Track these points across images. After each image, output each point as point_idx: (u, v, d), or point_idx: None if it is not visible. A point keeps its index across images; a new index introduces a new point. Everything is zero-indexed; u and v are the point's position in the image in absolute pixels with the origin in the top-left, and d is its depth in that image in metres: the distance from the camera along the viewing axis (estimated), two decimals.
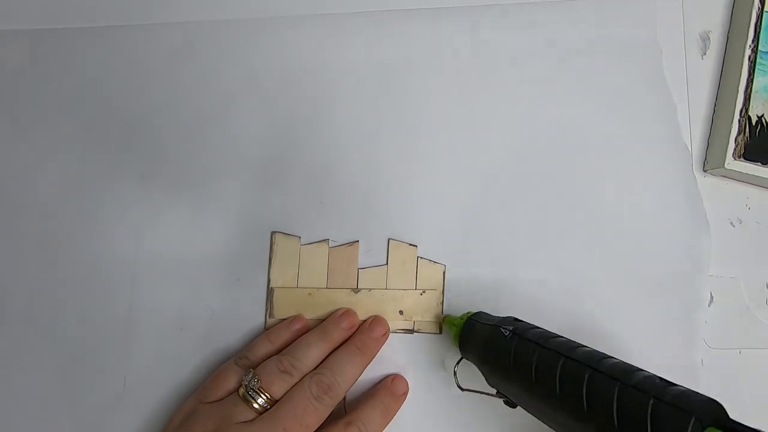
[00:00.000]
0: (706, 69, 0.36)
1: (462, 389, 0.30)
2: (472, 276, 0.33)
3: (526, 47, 0.35)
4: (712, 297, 0.33)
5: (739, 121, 0.33)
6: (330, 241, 0.34)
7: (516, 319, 0.28)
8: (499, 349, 0.26)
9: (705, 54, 0.36)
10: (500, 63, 0.35)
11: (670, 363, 0.33)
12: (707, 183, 0.35)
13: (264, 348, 0.31)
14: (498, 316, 0.29)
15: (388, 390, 0.32)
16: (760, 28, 0.34)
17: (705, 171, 0.35)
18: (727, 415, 0.20)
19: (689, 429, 0.18)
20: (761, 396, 0.33)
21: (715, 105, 0.35)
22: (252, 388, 0.28)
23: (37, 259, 0.34)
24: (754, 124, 0.33)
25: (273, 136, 0.35)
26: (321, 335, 0.31)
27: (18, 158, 0.35)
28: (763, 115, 0.33)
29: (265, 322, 0.33)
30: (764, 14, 0.34)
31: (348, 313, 0.32)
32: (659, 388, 0.20)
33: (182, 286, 0.34)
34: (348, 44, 0.36)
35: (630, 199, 0.34)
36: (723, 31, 0.36)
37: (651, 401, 0.19)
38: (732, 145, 0.33)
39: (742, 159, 0.33)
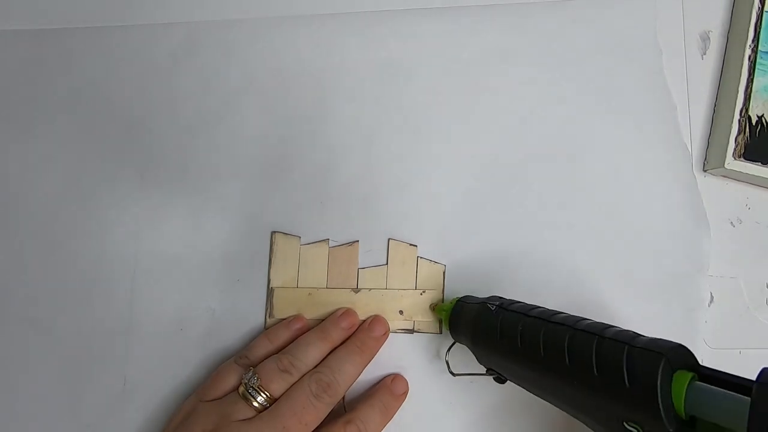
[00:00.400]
0: (706, 69, 0.36)
1: (454, 374, 0.31)
2: (472, 276, 0.33)
3: (526, 47, 0.35)
4: (712, 297, 0.33)
5: (739, 121, 0.33)
6: (330, 241, 0.34)
7: (500, 297, 0.29)
8: (487, 324, 0.27)
9: (705, 54, 0.36)
10: (500, 63, 0.35)
11: None
12: (707, 183, 0.35)
13: (263, 347, 0.31)
14: (481, 297, 0.30)
15: (388, 389, 0.32)
16: (760, 28, 0.34)
17: (705, 171, 0.35)
18: (697, 361, 0.21)
19: (660, 368, 0.20)
20: None
21: (715, 105, 0.35)
22: (252, 387, 0.28)
23: (38, 259, 0.34)
24: (754, 124, 0.33)
25: (273, 136, 0.35)
26: (320, 335, 0.31)
27: (18, 158, 0.35)
28: (763, 115, 0.33)
29: (265, 322, 0.33)
30: (764, 14, 0.34)
31: (348, 312, 0.32)
32: (632, 338, 0.22)
33: (182, 286, 0.34)
34: (348, 44, 0.36)
35: (630, 199, 0.34)
36: (723, 31, 0.36)
37: (625, 348, 0.21)
38: (732, 145, 0.33)
39: (742, 159, 0.33)
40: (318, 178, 0.34)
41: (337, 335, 0.32)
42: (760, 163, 0.33)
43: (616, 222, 0.34)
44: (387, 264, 0.34)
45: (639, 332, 0.32)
